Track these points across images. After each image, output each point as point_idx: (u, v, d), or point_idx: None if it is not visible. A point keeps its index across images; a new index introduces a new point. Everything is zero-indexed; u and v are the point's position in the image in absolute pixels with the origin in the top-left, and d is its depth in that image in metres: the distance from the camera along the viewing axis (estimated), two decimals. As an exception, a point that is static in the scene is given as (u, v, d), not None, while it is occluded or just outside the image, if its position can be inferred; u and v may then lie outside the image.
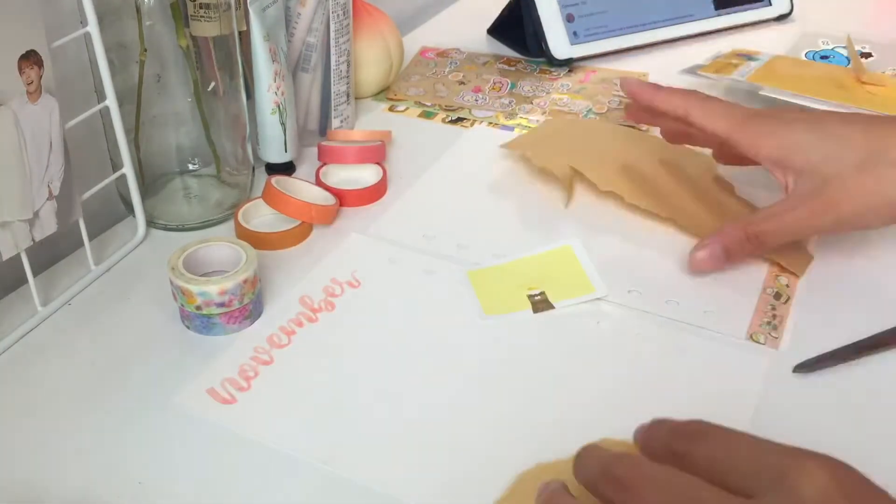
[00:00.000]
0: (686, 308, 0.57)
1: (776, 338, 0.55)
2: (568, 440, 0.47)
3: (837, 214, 0.54)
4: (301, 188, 0.67)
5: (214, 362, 0.53)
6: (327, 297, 0.58)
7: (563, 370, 0.53)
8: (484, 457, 0.47)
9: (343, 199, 0.68)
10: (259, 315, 0.57)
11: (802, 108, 0.64)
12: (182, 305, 0.54)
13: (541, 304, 0.57)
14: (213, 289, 0.53)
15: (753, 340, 0.55)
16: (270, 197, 0.64)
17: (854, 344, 0.53)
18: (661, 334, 0.55)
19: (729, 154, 0.64)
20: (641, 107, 0.66)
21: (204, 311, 0.54)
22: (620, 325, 0.56)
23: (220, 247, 0.57)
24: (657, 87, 0.64)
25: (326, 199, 0.67)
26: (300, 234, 0.64)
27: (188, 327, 0.55)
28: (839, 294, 0.59)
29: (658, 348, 0.54)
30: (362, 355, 0.54)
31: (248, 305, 0.55)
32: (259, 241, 0.63)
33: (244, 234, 0.63)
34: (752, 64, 0.84)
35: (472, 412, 0.50)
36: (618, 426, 0.48)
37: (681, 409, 0.49)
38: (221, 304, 0.53)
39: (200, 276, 0.54)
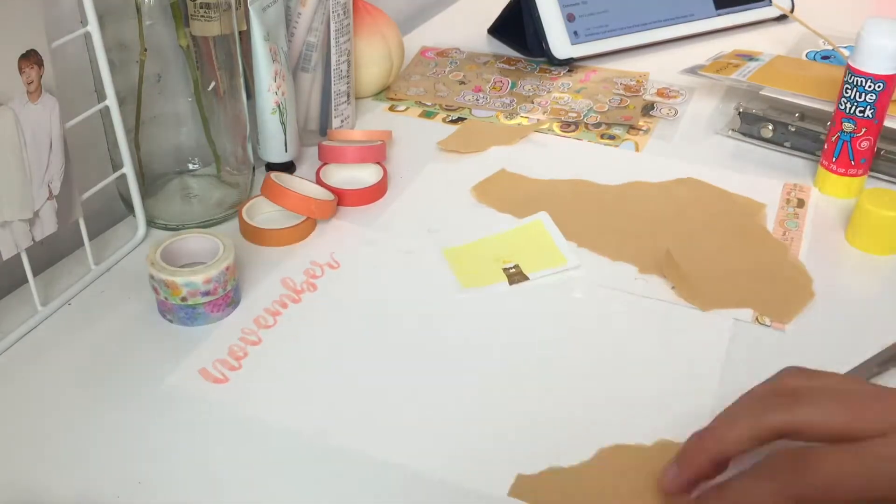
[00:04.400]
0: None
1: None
2: (548, 403, 0.50)
3: None
4: (300, 185, 0.67)
5: (203, 345, 0.54)
6: (308, 279, 0.60)
7: (540, 337, 0.55)
8: (469, 419, 0.49)
9: (343, 198, 0.68)
10: (239, 302, 0.58)
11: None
12: (165, 298, 0.54)
13: (515, 276, 0.60)
14: (198, 278, 0.53)
15: (759, 322, 0.56)
16: (270, 191, 0.64)
17: (876, 357, 0.53)
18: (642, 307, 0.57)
19: None
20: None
21: (189, 302, 0.54)
22: (594, 294, 0.59)
23: (193, 239, 0.58)
24: (711, 435, 0.42)
25: (325, 195, 0.67)
26: (303, 230, 0.64)
27: (171, 321, 0.56)
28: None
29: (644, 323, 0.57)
30: (347, 331, 0.55)
31: (231, 293, 0.56)
32: (263, 237, 0.63)
33: (248, 231, 0.63)
34: (753, 64, 0.84)
35: (456, 378, 0.52)
36: (600, 389, 0.51)
37: (679, 381, 0.52)
38: (206, 293, 0.54)
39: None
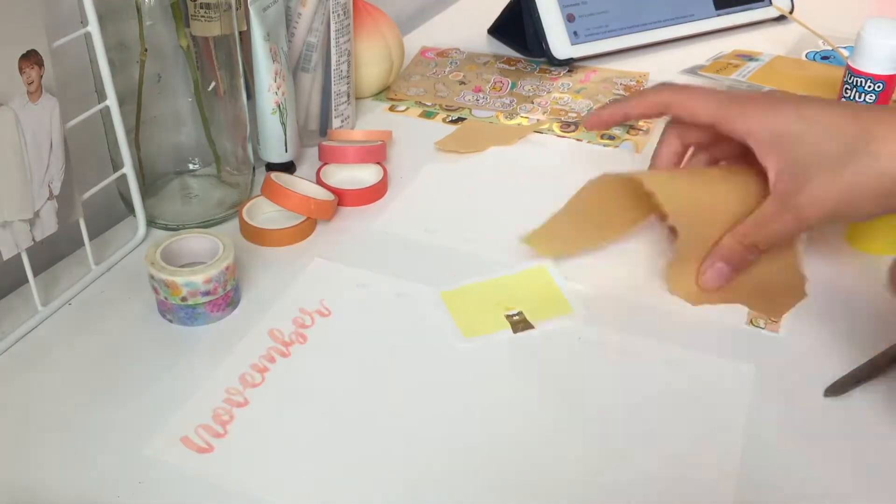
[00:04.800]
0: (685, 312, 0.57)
1: (776, 321, 0.56)
2: (560, 467, 0.46)
3: (822, 212, 0.53)
4: (300, 185, 0.67)
5: (186, 407, 0.50)
6: (298, 329, 0.55)
7: (550, 393, 0.51)
8: (473, 489, 0.45)
9: (343, 198, 0.68)
10: (238, 302, 0.57)
11: (785, 91, 0.61)
12: (165, 298, 0.54)
13: (520, 324, 0.56)
14: (198, 278, 0.53)
15: (753, 325, 0.56)
16: (270, 191, 0.64)
17: (873, 360, 0.53)
18: (647, 348, 0.54)
19: (714, 146, 0.61)
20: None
21: (189, 302, 0.54)
22: (602, 345, 0.55)
23: (193, 239, 0.58)
24: (624, 100, 0.61)
25: (326, 195, 0.67)
26: (303, 230, 0.64)
27: (171, 321, 0.56)
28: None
29: (648, 369, 0.53)
30: (340, 389, 0.51)
31: (230, 292, 0.56)
32: (263, 237, 0.63)
33: (249, 231, 0.63)
34: (752, 64, 0.84)
35: (460, 442, 0.48)
36: (612, 445, 0.48)
37: (676, 427, 0.49)
38: (206, 293, 0.54)
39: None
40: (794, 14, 1.03)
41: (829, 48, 0.94)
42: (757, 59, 0.86)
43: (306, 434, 0.48)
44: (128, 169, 0.61)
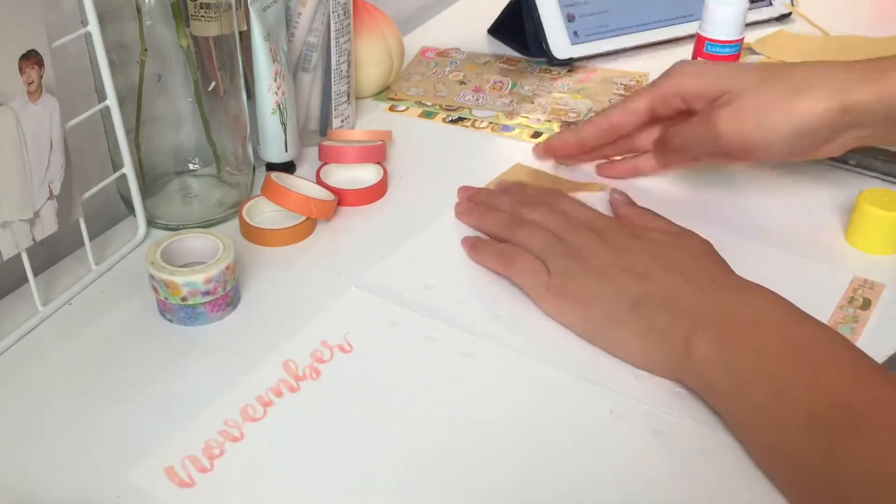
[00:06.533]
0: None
1: None
2: None
3: (741, 125, 0.59)
4: (300, 185, 0.67)
5: (177, 436, 0.47)
6: (313, 363, 0.52)
7: (574, 454, 0.47)
8: None
9: (343, 198, 0.68)
10: (238, 302, 0.57)
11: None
12: (165, 298, 0.54)
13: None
14: (198, 278, 0.53)
15: None
16: (270, 191, 0.64)
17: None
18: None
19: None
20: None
21: (189, 302, 0.54)
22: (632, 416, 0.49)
23: (193, 239, 0.58)
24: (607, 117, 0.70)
25: (326, 195, 0.67)
26: (303, 230, 0.64)
27: (171, 320, 0.56)
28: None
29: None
30: (347, 436, 0.47)
31: (230, 292, 0.56)
32: (263, 237, 0.63)
33: (249, 231, 0.63)
34: (751, 60, 0.84)
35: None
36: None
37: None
38: (207, 293, 0.54)
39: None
40: (794, 13, 1.03)
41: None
42: (756, 56, 0.86)
43: (300, 482, 0.45)
44: (128, 169, 0.61)
